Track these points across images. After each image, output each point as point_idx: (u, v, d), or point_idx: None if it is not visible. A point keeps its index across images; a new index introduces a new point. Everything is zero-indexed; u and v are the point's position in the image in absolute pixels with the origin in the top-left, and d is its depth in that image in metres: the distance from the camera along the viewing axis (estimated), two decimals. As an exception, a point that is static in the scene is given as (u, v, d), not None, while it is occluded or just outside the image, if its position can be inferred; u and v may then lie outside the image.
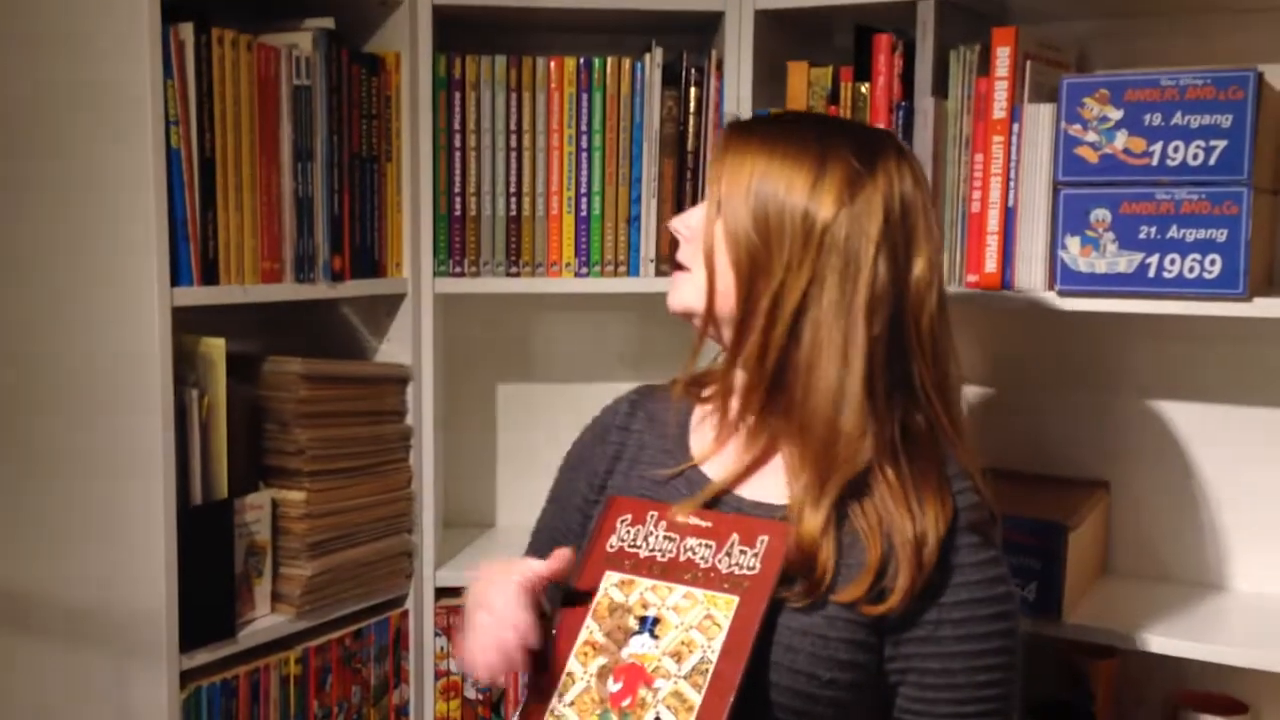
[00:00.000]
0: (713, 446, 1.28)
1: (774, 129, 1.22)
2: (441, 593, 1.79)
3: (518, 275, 1.77)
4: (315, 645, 1.61)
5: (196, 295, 1.42)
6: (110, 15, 1.36)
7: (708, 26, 1.82)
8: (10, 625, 1.55)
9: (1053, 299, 1.55)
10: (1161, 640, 1.54)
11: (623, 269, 1.78)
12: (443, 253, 1.75)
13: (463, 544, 1.92)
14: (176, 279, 1.40)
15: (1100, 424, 1.79)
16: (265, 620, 1.55)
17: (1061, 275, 1.53)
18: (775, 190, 1.16)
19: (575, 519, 1.36)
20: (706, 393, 1.32)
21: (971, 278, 1.60)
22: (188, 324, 1.42)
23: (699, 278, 1.21)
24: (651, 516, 1.20)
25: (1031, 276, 1.56)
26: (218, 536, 1.47)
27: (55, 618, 1.50)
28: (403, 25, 1.69)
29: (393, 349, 1.74)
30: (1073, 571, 1.60)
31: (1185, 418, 1.74)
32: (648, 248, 1.78)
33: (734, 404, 1.24)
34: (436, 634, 1.79)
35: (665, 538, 1.19)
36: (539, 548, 1.38)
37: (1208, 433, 1.73)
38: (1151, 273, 1.48)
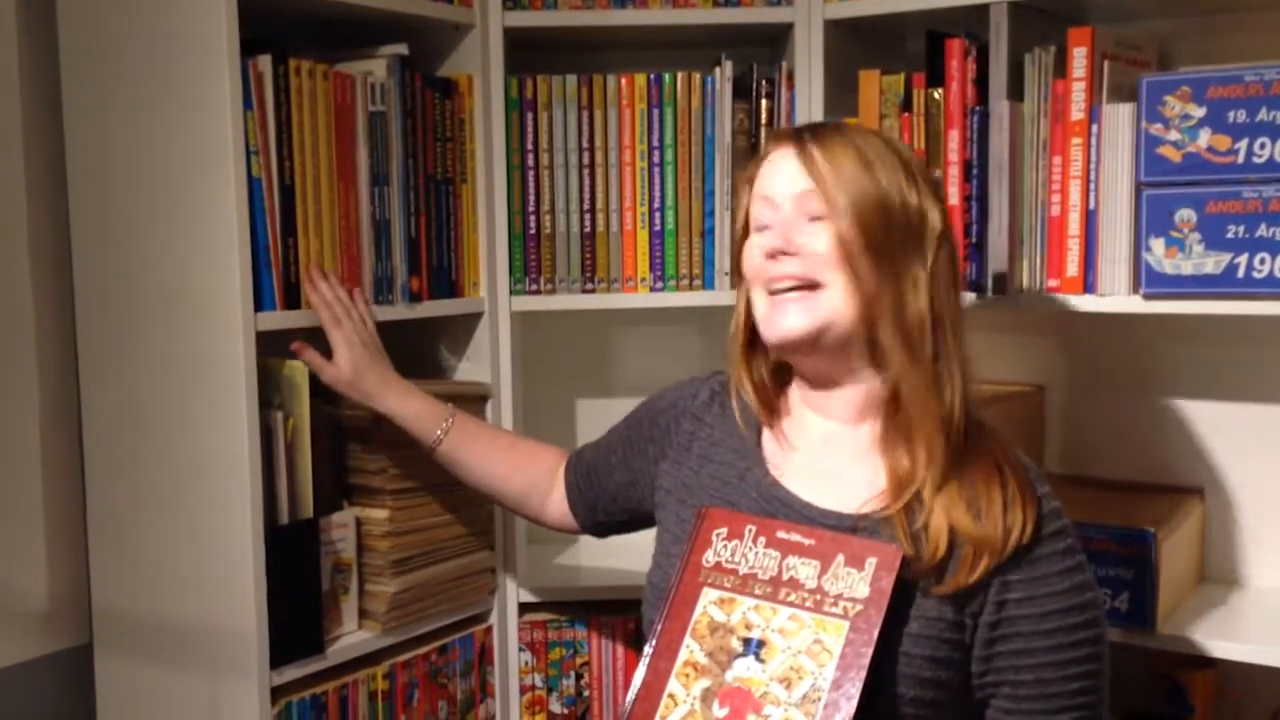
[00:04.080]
0: (784, 453, 1.28)
1: (834, 130, 1.25)
2: (525, 608, 1.81)
3: (593, 291, 1.78)
4: (402, 661, 1.63)
5: (279, 319, 1.46)
6: (191, 51, 1.41)
7: (777, 38, 1.82)
8: (106, 644, 1.60)
9: (1138, 302, 1.51)
10: (1262, 650, 1.49)
11: (698, 282, 1.78)
12: (519, 271, 1.77)
13: (546, 559, 1.94)
14: (260, 304, 1.43)
15: (1192, 429, 1.74)
16: (352, 636, 1.58)
17: (1146, 278, 1.49)
18: (889, 189, 1.19)
19: (618, 475, 1.45)
20: (771, 410, 1.32)
21: (1053, 282, 1.57)
22: (271, 347, 1.46)
23: (834, 292, 1.19)
24: (749, 531, 1.18)
25: (1115, 280, 1.53)
26: (304, 555, 1.50)
27: (149, 636, 1.54)
28: (475, 48, 1.71)
29: (471, 367, 1.76)
30: (1166, 580, 1.56)
31: (1282, 421, 1.69)
32: (723, 261, 1.78)
33: (844, 412, 1.25)
34: (521, 649, 1.80)
35: (766, 554, 1.16)
36: (580, 467, 1.50)
37: (1306, 436, 1.68)
38: (1240, 273, 1.44)
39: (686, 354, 2.01)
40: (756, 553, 1.16)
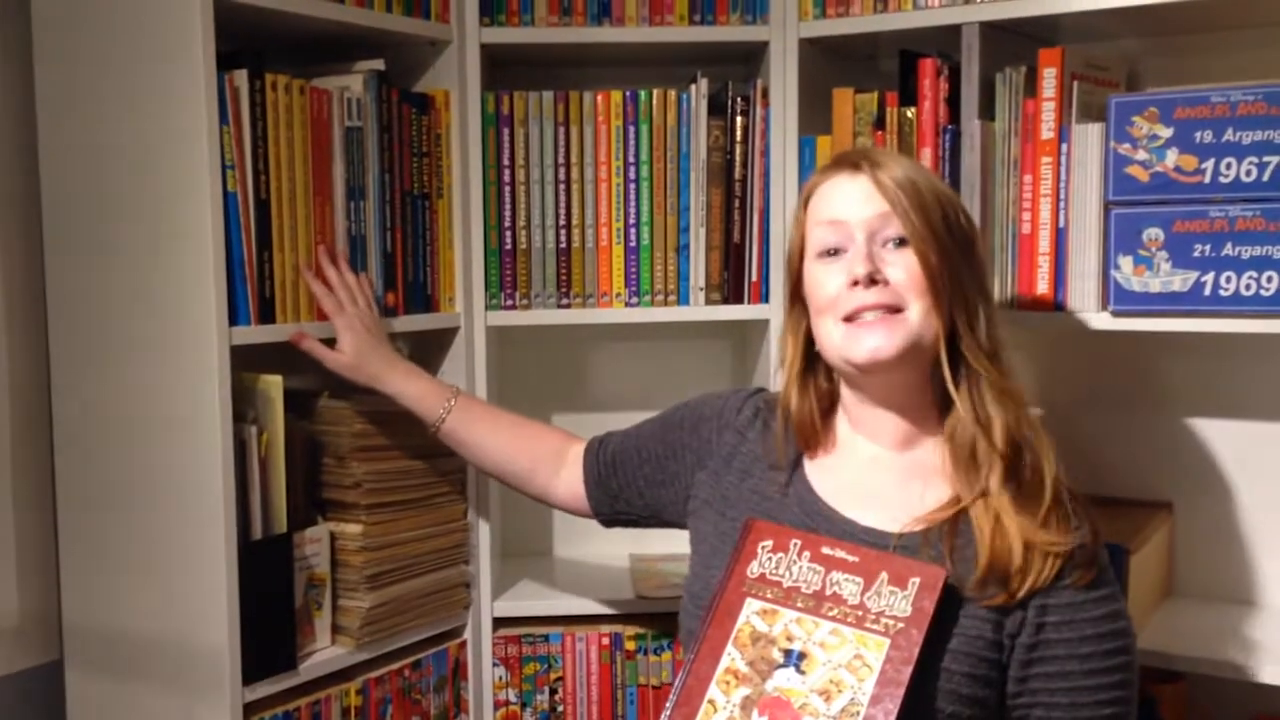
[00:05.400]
0: (825, 473, 1.29)
1: (890, 156, 1.29)
2: (499, 623, 1.80)
3: (569, 307, 1.79)
4: (375, 676, 1.63)
5: (254, 334, 1.45)
6: (167, 66, 1.40)
7: (753, 56, 1.83)
8: (77, 660, 1.59)
9: (1106, 319, 1.53)
10: (1230, 663, 1.51)
11: (672, 298, 1.79)
12: (494, 286, 1.77)
13: (520, 574, 1.93)
14: (234, 318, 1.43)
15: (1161, 444, 1.76)
16: (325, 652, 1.57)
17: (1115, 295, 1.51)
18: (951, 213, 1.24)
19: (647, 470, 1.45)
20: (814, 442, 1.33)
21: (1023, 299, 1.59)
22: (246, 362, 1.45)
23: (917, 314, 1.21)
24: (795, 545, 1.19)
25: (1084, 297, 1.55)
26: (278, 570, 1.49)
27: (121, 652, 1.53)
28: (451, 64, 1.71)
29: (447, 382, 1.75)
30: (1135, 594, 1.57)
31: (1250, 436, 1.71)
32: (697, 276, 1.79)
33: (892, 433, 1.27)
34: (495, 664, 1.80)
35: (810, 568, 1.17)
36: (603, 454, 1.50)
37: (1273, 450, 1.70)
38: (1207, 291, 1.46)
39: (662, 369, 2.02)
40: (800, 567, 1.17)
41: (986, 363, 1.22)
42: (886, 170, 1.23)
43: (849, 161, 1.27)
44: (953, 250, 1.22)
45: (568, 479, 1.53)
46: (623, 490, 1.48)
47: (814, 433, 1.31)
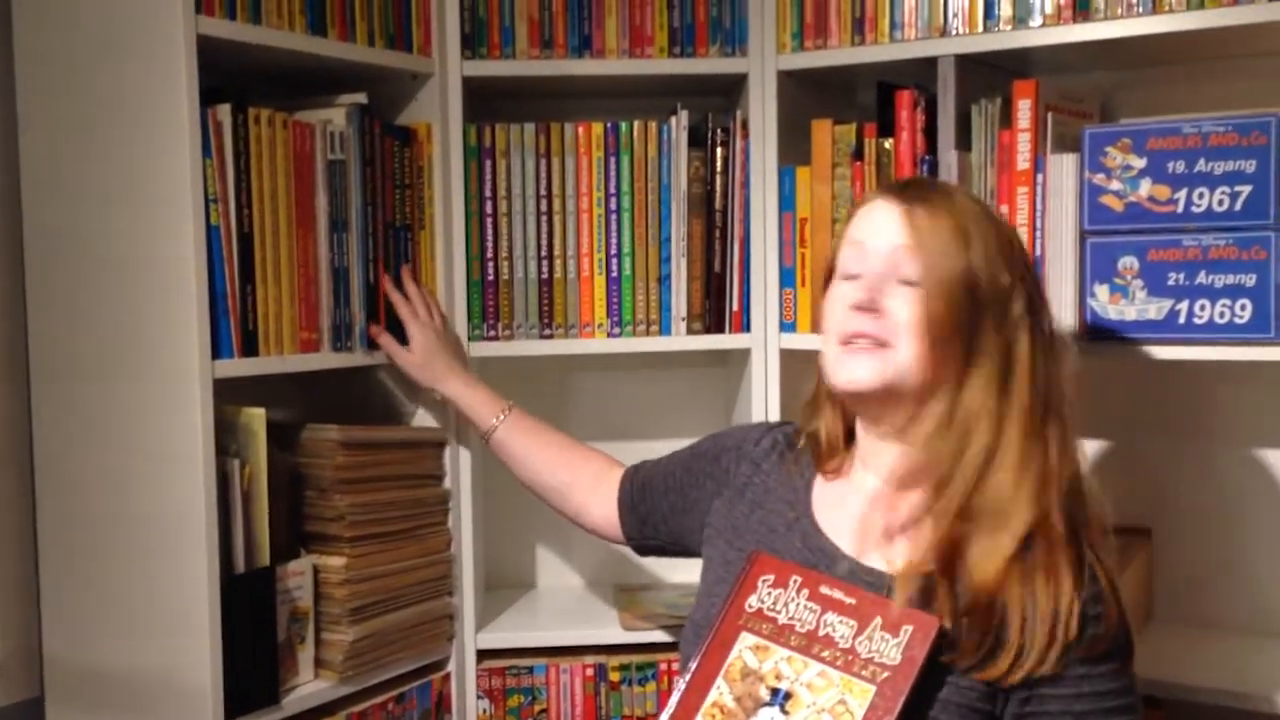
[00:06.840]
0: (833, 508, 1.28)
1: (940, 193, 1.24)
2: (483, 655, 1.80)
3: (551, 337, 1.79)
4: (358, 710, 1.62)
5: (237, 367, 1.46)
6: (151, 100, 1.41)
7: (732, 88, 1.85)
8: (58, 696, 1.57)
9: (1083, 347, 1.54)
10: (1209, 689, 1.52)
11: (654, 328, 1.80)
12: (477, 317, 1.78)
13: (503, 606, 1.93)
14: (217, 352, 1.43)
15: (1139, 470, 1.77)
16: (309, 686, 1.56)
17: (1091, 323, 1.53)
18: (980, 266, 1.18)
19: (672, 497, 1.46)
20: (833, 464, 1.31)
21: (1001, 328, 1.60)
22: (228, 395, 1.45)
23: (906, 355, 1.18)
24: (794, 581, 1.19)
25: (1061, 325, 1.56)
26: (261, 604, 1.49)
27: (102, 687, 1.52)
28: (433, 97, 1.73)
29: (429, 414, 1.76)
30: (1116, 621, 1.58)
31: (1226, 462, 1.73)
32: (679, 306, 1.80)
33: (890, 474, 1.24)
34: (479, 696, 1.79)
35: (806, 607, 1.17)
36: (637, 479, 1.53)
37: (1250, 476, 1.71)
38: (1182, 319, 1.48)
39: (644, 399, 2.02)
40: (798, 604, 1.17)
41: (941, 426, 1.18)
42: (928, 207, 1.20)
43: (898, 188, 1.26)
44: (965, 307, 1.17)
45: (603, 502, 1.55)
46: (649, 516, 1.50)
47: (835, 451, 1.30)
